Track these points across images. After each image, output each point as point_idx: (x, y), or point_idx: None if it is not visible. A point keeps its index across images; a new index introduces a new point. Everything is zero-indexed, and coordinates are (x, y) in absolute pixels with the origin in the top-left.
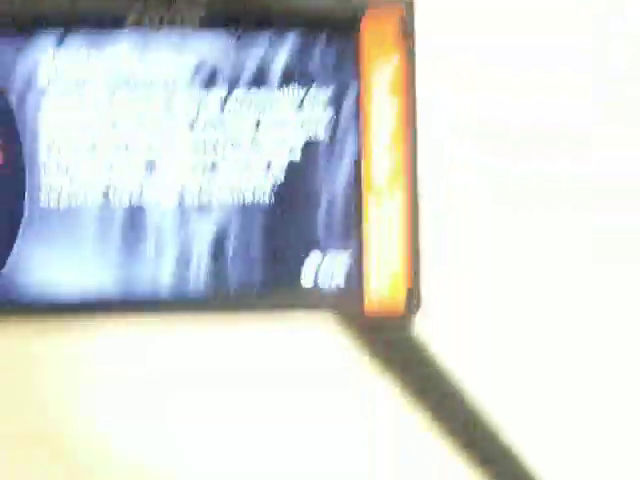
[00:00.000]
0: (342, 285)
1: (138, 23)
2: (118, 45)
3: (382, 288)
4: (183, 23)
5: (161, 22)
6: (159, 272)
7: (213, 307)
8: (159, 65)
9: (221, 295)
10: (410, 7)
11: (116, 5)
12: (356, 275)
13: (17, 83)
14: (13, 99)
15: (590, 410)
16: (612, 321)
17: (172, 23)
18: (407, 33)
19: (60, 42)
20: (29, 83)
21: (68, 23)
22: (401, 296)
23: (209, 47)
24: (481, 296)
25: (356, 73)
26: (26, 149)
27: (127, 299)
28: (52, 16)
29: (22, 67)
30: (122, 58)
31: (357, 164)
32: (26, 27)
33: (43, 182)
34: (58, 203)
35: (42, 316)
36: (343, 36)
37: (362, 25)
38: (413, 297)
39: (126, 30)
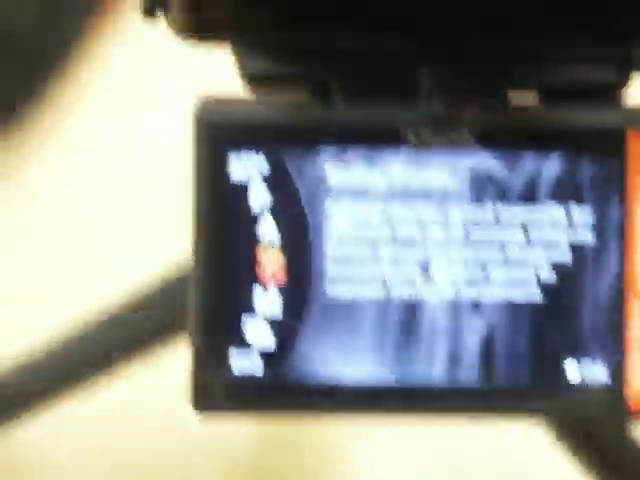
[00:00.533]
0: (607, 384)
1: (413, 140)
2: (394, 161)
3: None
4: (455, 141)
5: (434, 140)
6: (432, 364)
7: (482, 403)
8: (432, 180)
9: (490, 392)
10: None
11: (391, 122)
12: (621, 374)
13: (306, 186)
14: (303, 201)
15: None
16: None
17: (444, 141)
18: None
19: (341, 158)
20: (317, 187)
21: (346, 140)
22: None
23: (478, 166)
24: None
25: (621, 192)
26: (312, 244)
27: (401, 391)
28: (331, 135)
29: (309, 174)
30: (398, 173)
31: (620, 275)
32: (308, 140)
33: (328, 274)
34: (341, 294)
35: (318, 405)
36: (607, 156)
37: (626, 147)
38: None
39: (402, 146)
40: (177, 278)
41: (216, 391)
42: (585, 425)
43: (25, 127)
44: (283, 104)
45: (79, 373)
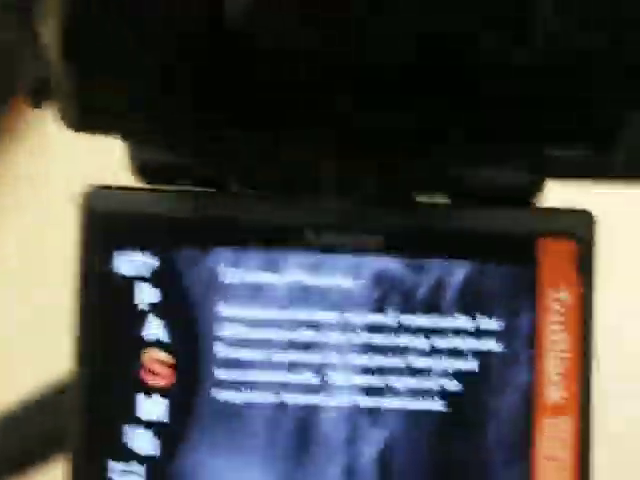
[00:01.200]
0: None
1: (312, 244)
2: (294, 262)
3: None
4: (359, 246)
5: (336, 241)
6: (326, 476)
7: None
8: (334, 283)
9: None
10: (588, 246)
11: (290, 224)
12: None
13: (197, 286)
14: (194, 300)
15: None
16: None
17: (347, 242)
18: (581, 270)
19: (235, 259)
20: (209, 285)
21: (242, 241)
22: None
23: (383, 271)
24: None
25: (530, 302)
26: (203, 344)
27: None
28: (227, 233)
29: (203, 273)
30: (297, 275)
31: (529, 388)
32: (203, 243)
33: (216, 378)
34: (232, 398)
35: None
36: (517, 264)
37: (536, 256)
38: None
39: (302, 247)
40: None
41: None
42: None
43: None
44: (177, 197)
45: None
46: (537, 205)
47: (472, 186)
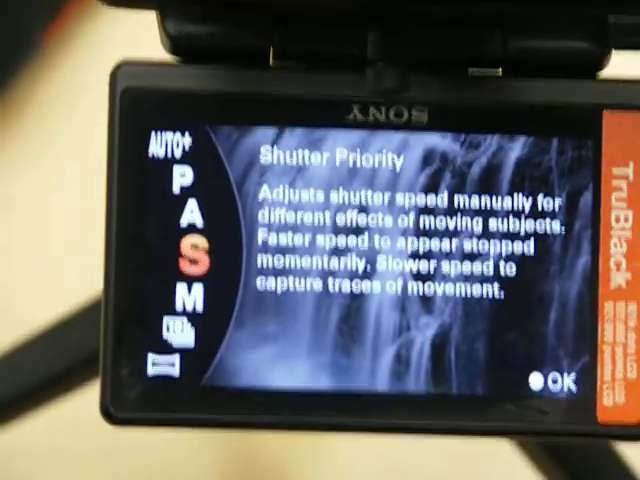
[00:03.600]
0: (574, 390)
1: (360, 120)
2: (338, 141)
3: (617, 396)
4: (407, 123)
5: (383, 118)
6: (376, 366)
7: (433, 408)
8: (380, 163)
9: (441, 401)
10: None
11: (338, 101)
12: (589, 381)
13: (236, 168)
14: (233, 183)
15: None
16: None
17: (395, 122)
18: None
19: (278, 138)
20: (249, 167)
21: (285, 119)
22: (637, 405)
23: (434, 148)
24: None
25: (594, 180)
26: (244, 228)
27: (339, 398)
28: (269, 110)
29: (242, 153)
30: (342, 155)
31: (592, 269)
32: (244, 121)
33: (258, 265)
34: (274, 286)
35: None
36: (581, 139)
37: (601, 129)
38: None
39: (347, 125)
40: None
41: (130, 394)
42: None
43: None
44: (215, 72)
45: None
46: (602, 77)
47: (532, 58)
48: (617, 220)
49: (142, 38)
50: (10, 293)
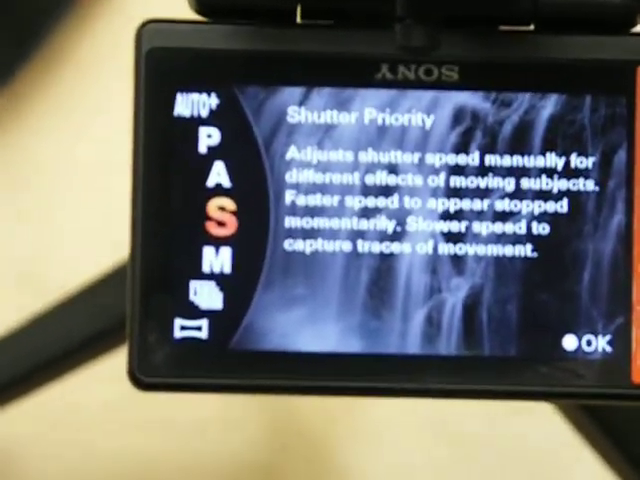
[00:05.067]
0: (608, 351)
1: (389, 79)
2: (366, 100)
3: None
4: (437, 81)
5: (412, 77)
6: (407, 328)
7: (465, 370)
8: (409, 122)
9: (475, 359)
10: None
11: (366, 60)
12: (623, 342)
13: (264, 128)
14: (260, 144)
15: None
16: None
17: (424, 81)
18: None
19: (305, 98)
20: (276, 127)
21: (313, 78)
22: None
23: (464, 107)
24: None
25: (628, 137)
26: (272, 189)
27: (371, 361)
28: (297, 70)
29: (270, 114)
30: (370, 114)
31: (627, 229)
32: (271, 81)
33: (286, 226)
34: (303, 248)
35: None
36: (614, 95)
37: (635, 85)
38: None
39: (375, 84)
40: None
41: (157, 359)
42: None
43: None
44: (241, 31)
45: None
46: (634, 32)
47: (563, 14)
48: None
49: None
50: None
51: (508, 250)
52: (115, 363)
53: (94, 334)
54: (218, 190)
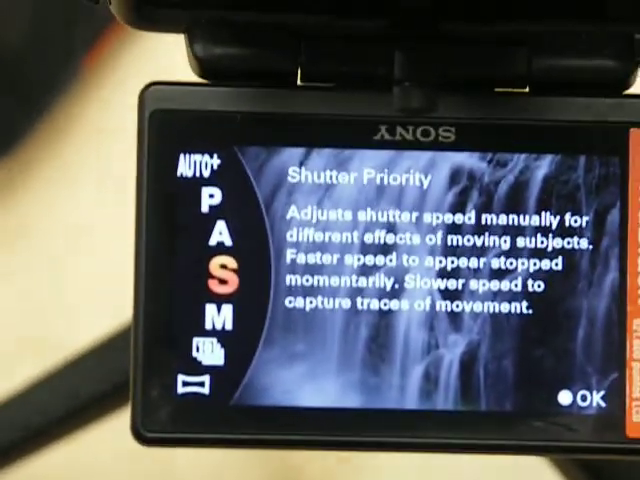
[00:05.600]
0: (603, 406)
1: (387, 140)
2: (365, 161)
3: None
4: (434, 142)
5: (410, 138)
6: (405, 383)
7: (462, 426)
8: (407, 182)
9: (472, 414)
10: None
11: (365, 121)
12: (618, 398)
13: (265, 188)
14: (261, 203)
15: None
16: None
17: (422, 141)
18: None
19: (305, 158)
20: (277, 187)
21: (313, 139)
22: None
23: (460, 167)
24: None
25: (621, 197)
26: (273, 248)
27: (369, 416)
28: (297, 131)
29: (270, 174)
30: (369, 174)
31: (620, 286)
32: (272, 141)
33: (286, 283)
34: (303, 305)
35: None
36: (607, 156)
37: (628, 147)
38: None
39: (374, 145)
40: None
41: (160, 415)
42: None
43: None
44: (242, 94)
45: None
46: (627, 93)
47: (558, 76)
48: None
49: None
50: None
51: (504, 307)
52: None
53: (100, 394)
54: (220, 249)
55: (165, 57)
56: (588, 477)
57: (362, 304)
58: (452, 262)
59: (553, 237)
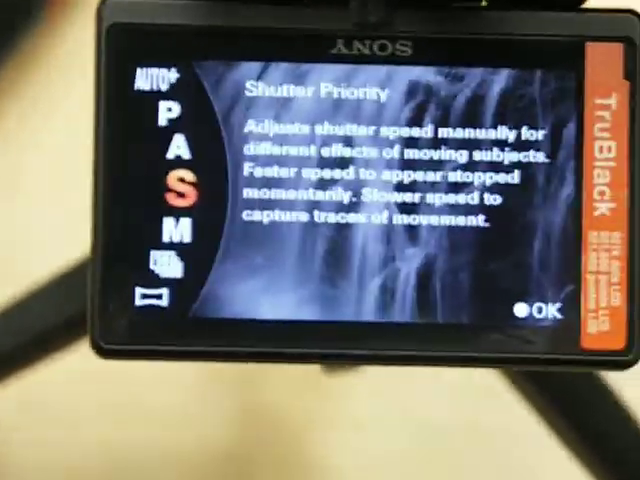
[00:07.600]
0: (558, 318)
1: (344, 54)
2: (323, 75)
3: (601, 324)
4: (391, 56)
5: (367, 52)
6: (362, 296)
7: (419, 337)
8: (365, 96)
9: (428, 326)
10: (633, 48)
11: (322, 36)
12: (573, 310)
13: (222, 101)
14: (219, 117)
15: None
16: None
17: (379, 56)
18: (629, 75)
19: (263, 72)
20: (235, 101)
21: (270, 53)
22: (621, 332)
23: (418, 81)
24: None
25: (577, 111)
26: (230, 161)
27: (326, 328)
28: (254, 45)
29: (228, 88)
30: (327, 88)
31: (576, 200)
32: (229, 56)
33: (244, 197)
34: (261, 218)
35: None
36: (564, 71)
37: (583, 61)
38: (634, 333)
39: (332, 59)
40: None
41: (119, 327)
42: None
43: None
44: (199, 8)
45: None
46: (584, 8)
47: None
48: (600, 150)
49: None
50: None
51: (461, 220)
52: None
53: (62, 322)
54: (178, 162)
55: None
56: (538, 389)
57: (319, 217)
58: (409, 176)
59: (510, 150)
